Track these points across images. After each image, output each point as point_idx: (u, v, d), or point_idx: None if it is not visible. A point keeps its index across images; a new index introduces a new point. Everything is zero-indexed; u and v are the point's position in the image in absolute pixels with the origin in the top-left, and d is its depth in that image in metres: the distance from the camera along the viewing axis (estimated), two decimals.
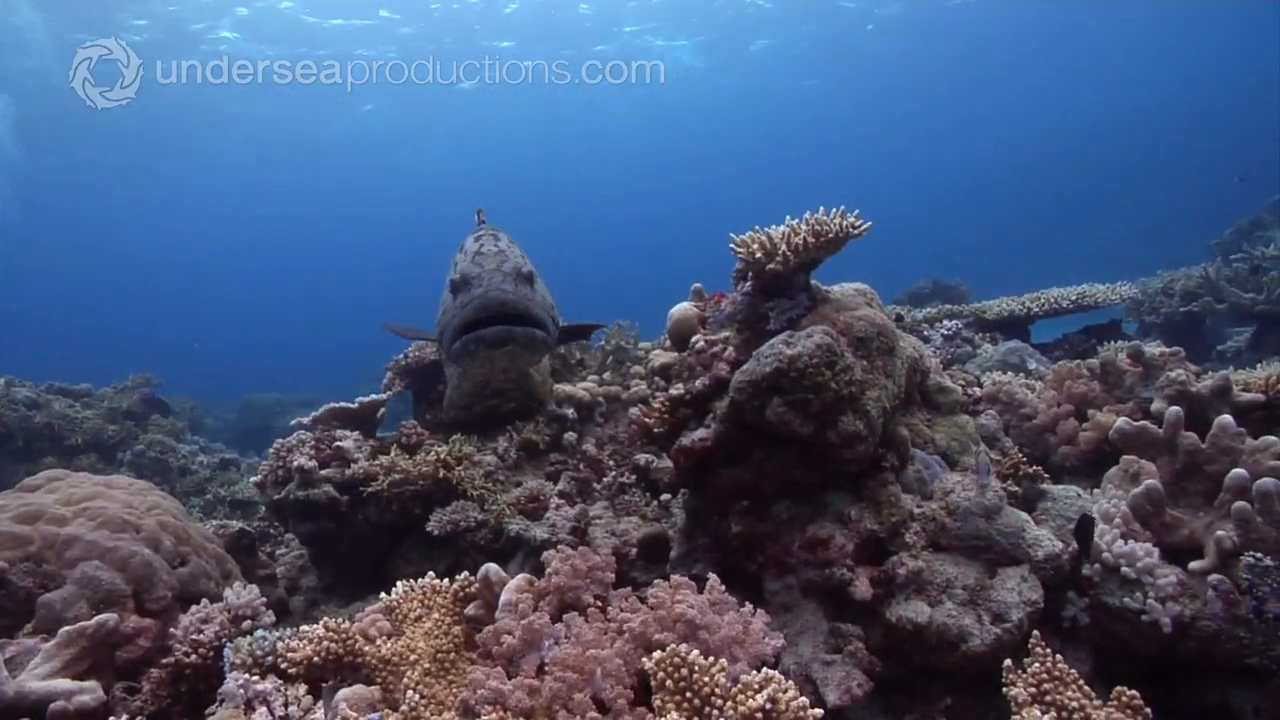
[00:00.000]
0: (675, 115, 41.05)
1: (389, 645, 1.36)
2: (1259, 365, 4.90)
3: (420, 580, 1.52)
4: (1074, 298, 5.19)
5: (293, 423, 4.50)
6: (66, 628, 2.15)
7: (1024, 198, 64.11)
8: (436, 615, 1.41)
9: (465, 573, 1.54)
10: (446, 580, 1.52)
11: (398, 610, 1.46)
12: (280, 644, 1.83)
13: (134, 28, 22.52)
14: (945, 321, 5.45)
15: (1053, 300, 5.19)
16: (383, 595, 1.54)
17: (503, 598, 1.54)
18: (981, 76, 37.41)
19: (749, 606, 1.46)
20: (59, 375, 8.94)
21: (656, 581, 1.54)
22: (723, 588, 1.49)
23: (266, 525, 5.46)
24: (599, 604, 1.51)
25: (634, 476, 4.00)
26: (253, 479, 4.34)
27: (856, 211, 2.56)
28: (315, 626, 1.37)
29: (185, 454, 8.18)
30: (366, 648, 1.36)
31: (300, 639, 1.34)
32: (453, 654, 1.37)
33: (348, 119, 33.43)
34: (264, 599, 2.47)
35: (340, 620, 1.38)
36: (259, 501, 5.75)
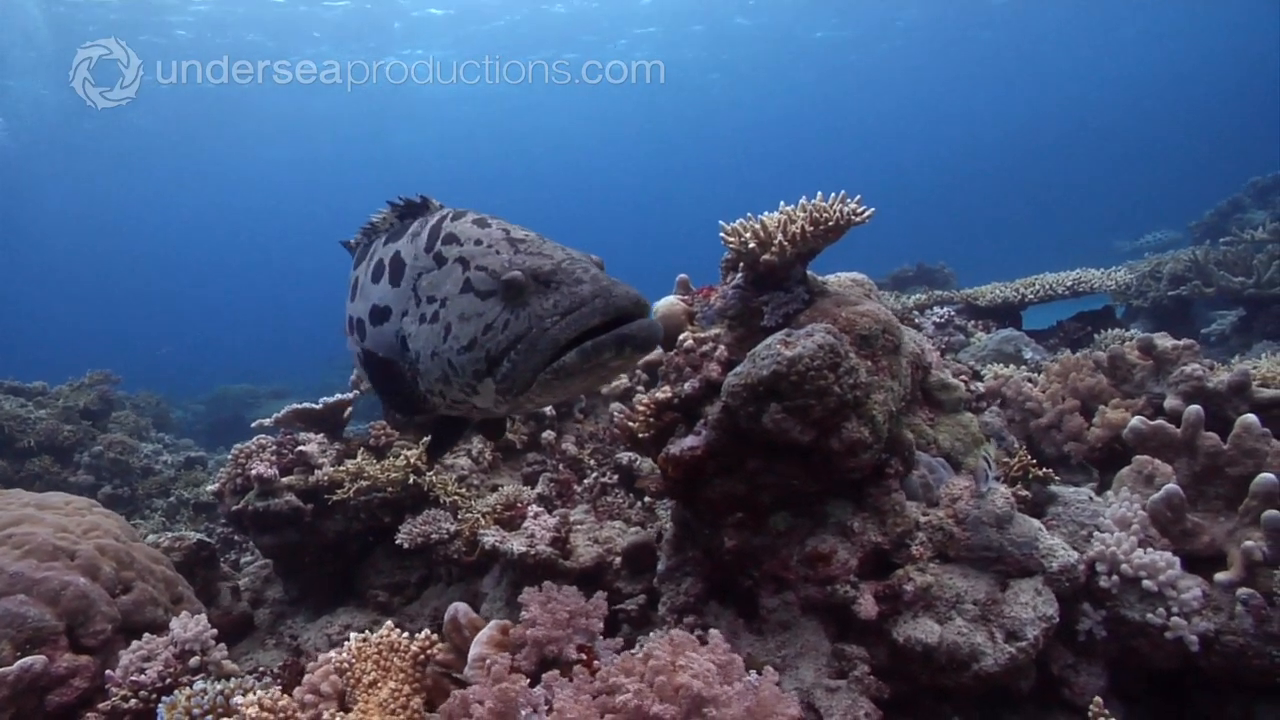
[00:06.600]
0: (641, 101, 40.33)
1: None
2: (1248, 351, 4.81)
3: (376, 635, 1.30)
4: (1069, 283, 5.03)
5: (254, 424, 4.24)
6: None
7: (1000, 181, 64.58)
8: (393, 683, 1.20)
9: (426, 630, 1.33)
10: (406, 636, 1.31)
11: (350, 673, 1.24)
12: (221, 697, 1.62)
13: None
14: (936, 308, 5.28)
15: (1048, 286, 5.03)
16: (331, 653, 1.32)
17: (472, 651, 1.34)
18: (955, 61, 37.23)
19: (754, 673, 1.25)
20: (12, 373, 8.51)
21: (653, 635, 1.34)
22: (727, 645, 1.29)
23: (231, 531, 5.19)
24: (584, 656, 1.31)
25: (616, 476, 3.80)
26: (209, 488, 4.07)
27: (858, 196, 2.35)
28: (251, 700, 1.16)
29: (148, 453, 7.83)
30: None
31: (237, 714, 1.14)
32: None
33: (321, 107, 32.41)
34: (214, 631, 2.24)
35: (281, 695, 1.16)
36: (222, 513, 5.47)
